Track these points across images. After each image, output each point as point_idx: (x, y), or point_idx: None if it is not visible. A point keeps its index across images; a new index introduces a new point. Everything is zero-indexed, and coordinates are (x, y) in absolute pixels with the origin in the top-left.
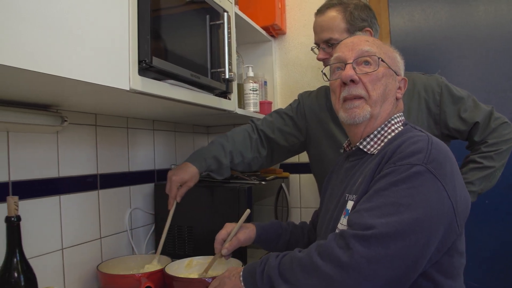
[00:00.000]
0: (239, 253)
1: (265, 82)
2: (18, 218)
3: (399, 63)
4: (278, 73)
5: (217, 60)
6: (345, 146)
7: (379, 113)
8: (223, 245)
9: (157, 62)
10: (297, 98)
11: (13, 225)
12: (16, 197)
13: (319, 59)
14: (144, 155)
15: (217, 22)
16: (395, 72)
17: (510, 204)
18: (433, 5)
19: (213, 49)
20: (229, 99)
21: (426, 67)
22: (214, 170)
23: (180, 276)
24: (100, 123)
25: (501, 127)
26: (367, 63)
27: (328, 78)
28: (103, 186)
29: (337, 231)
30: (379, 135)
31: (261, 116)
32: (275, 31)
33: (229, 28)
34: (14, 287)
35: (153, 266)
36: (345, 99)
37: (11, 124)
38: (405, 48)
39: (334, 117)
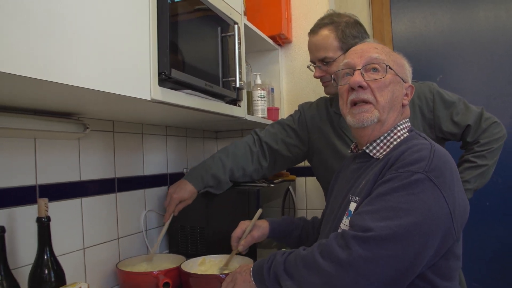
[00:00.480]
0: (250, 252)
1: (272, 89)
2: (48, 219)
3: (407, 70)
4: (284, 80)
5: (228, 69)
6: (353, 147)
7: (386, 119)
8: (239, 242)
9: (175, 73)
10: (298, 109)
11: (44, 225)
12: (46, 199)
13: (316, 77)
14: (157, 159)
15: (228, 34)
16: (402, 79)
17: (510, 206)
18: (434, 11)
19: (224, 59)
20: (239, 106)
21: (427, 73)
22: (213, 187)
23: (196, 273)
24: (117, 130)
25: (492, 127)
26: (375, 69)
27: (338, 83)
28: (120, 189)
29: (339, 230)
30: (385, 140)
31: (269, 121)
32: (281, 40)
33: (239, 39)
34: (45, 282)
35: (166, 265)
36: (353, 103)
37: (37, 131)
38: (407, 54)
39: (335, 127)
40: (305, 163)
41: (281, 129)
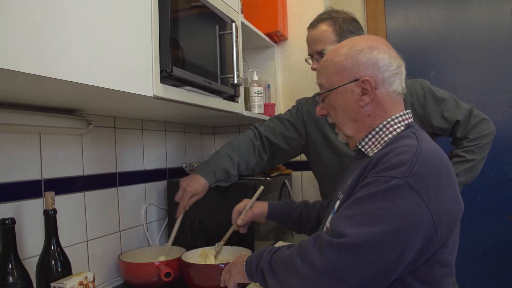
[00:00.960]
0: (248, 244)
1: (269, 85)
2: (55, 211)
3: (355, 66)
4: (280, 77)
5: (226, 66)
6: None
7: (356, 130)
8: (239, 217)
9: (176, 71)
10: (295, 104)
11: (51, 217)
12: (53, 193)
13: (313, 69)
14: (157, 154)
15: (226, 32)
16: (346, 83)
17: (502, 200)
18: (428, 9)
19: (222, 57)
20: (237, 102)
21: (421, 69)
22: (223, 180)
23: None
24: (118, 126)
25: (481, 124)
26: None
27: None
28: (122, 184)
29: (325, 228)
30: (377, 136)
31: (265, 117)
32: (277, 37)
33: (236, 37)
34: (52, 272)
35: (164, 257)
36: None
37: (42, 127)
38: (401, 50)
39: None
40: (301, 158)
41: (279, 123)
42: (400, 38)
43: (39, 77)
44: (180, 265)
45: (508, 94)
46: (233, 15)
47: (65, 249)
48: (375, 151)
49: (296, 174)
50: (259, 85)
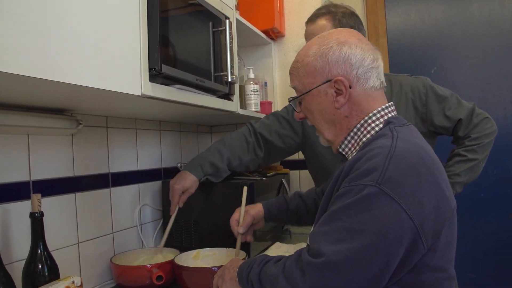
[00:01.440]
0: (244, 246)
1: (266, 83)
2: (41, 214)
3: (326, 66)
4: (277, 74)
5: (220, 64)
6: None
7: (335, 133)
8: (239, 226)
9: (165, 69)
10: None
11: (37, 220)
12: (39, 195)
13: None
14: (151, 154)
15: (220, 29)
16: (318, 85)
17: (503, 198)
18: (428, 4)
19: (216, 54)
20: (232, 100)
21: (422, 65)
22: (212, 174)
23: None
24: (110, 125)
25: (483, 122)
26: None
27: None
28: (114, 184)
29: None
30: (355, 137)
31: (262, 115)
32: (274, 34)
33: (230, 33)
34: (38, 276)
35: (160, 258)
36: None
37: (30, 127)
38: (401, 47)
39: None
40: (299, 156)
41: (275, 120)
42: (400, 34)
43: (24, 77)
44: (173, 268)
45: (510, 90)
46: (227, 12)
47: (55, 252)
48: (354, 153)
49: (294, 174)
50: (256, 83)
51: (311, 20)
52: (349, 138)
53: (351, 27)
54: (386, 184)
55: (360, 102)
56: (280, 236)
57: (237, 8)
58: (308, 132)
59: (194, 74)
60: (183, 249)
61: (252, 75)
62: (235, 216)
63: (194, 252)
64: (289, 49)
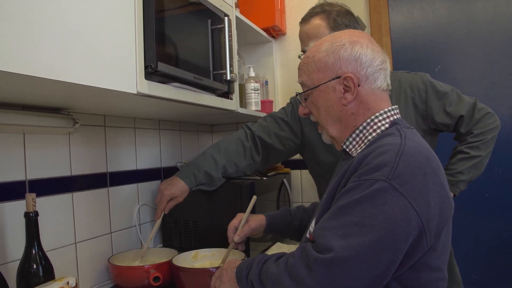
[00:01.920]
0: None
1: (266, 81)
2: (36, 214)
3: (337, 62)
4: (278, 73)
5: (219, 62)
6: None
7: (340, 130)
8: (235, 233)
9: (162, 66)
10: (290, 102)
11: (32, 220)
12: (34, 194)
13: None
14: (151, 153)
15: (219, 26)
16: (328, 81)
17: (508, 198)
18: (432, 2)
19: (215, 52)
20: (231, 99)
21: (426, 64)
22: (205, 184)
23: (186, 267)
24: (108, 124)
25: (485, 117)
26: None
27: None
28: (113, 184)
29: (308, 233)
30: (361, 135)
31: (262, 114)
32: (275, 32)
33: (230, 31)
34: (33, 276)
35: (156, 259)
36: None
37: (26, 126)
38: (405, 45)
39: None
40: (300, 155)
41: (273, 123)
42: (403, 33)
43: (18, 76)
44: (171, 269)
45: None
46: (226, 9)
47: (52, 252)
48: (359, 150)
49: (295, 173)
50: (256, 82)
51: (305, 20)
52: (354, 135)
53: (346, 26)
54: (396, 180)
55: (367, 100)
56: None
57: (237, 5)
58: (307, 134)
59: (192, 72)
60: (182, 249)
61: (252, 74)
62: (234, 222)
63: (193, 253)
64: (290, 47)
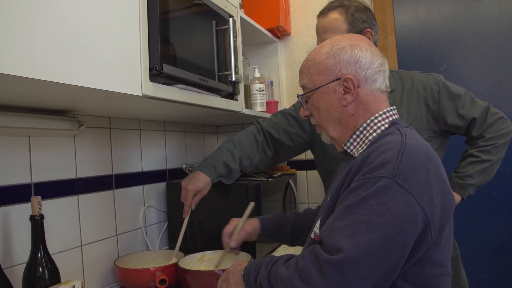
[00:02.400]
0: (249, 248)
1: (271, 82)
2: (42, 217)
3: (337, 64)
4: (284, 73)
5: (224, 63)
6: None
7: (340, 131)
8: (230, 238)
9: (166, 68)
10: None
11: (37, 223)
12: (39, 197)
13: None
14: (156, 155)
15: (223, 27)
16: (328, 82)
17: None
18: (437, 0)
19: (219, 53)
20: (236, 100)
21: (431, 63)
22: (225, 176)
23: (193, 269)
24: (114, 126)
25: (498, 122)
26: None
27: None
28: (118, 186)
29: (312, 234)
30: (361, 135)
31: (268, 115)
32: (280, 33)
33: (234, 32)
34: (39, 280)
35: (169, 261)
36: None
37: (31, 129)
38: (410, 44)
39: None
40: (306, 156)
41: (283, 119)
42: (409, 32)
43: (23, 79)
44: (177, 271)
45: None
46: (231, 10)
47: (58, 255)
48: (360, 151)
49: (301, 174)
50: (261, 82)
51: (323, 13)
52: (354, 136)
53: (364, 21)
54: (400, 176)
55: (367, 102)
56: None
57: (241, 6)
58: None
59: (197, 73)
60: (188, 251)
61: (257, 74)
62: (228, 228)
63: (199, 255)
64: (295, 48)
